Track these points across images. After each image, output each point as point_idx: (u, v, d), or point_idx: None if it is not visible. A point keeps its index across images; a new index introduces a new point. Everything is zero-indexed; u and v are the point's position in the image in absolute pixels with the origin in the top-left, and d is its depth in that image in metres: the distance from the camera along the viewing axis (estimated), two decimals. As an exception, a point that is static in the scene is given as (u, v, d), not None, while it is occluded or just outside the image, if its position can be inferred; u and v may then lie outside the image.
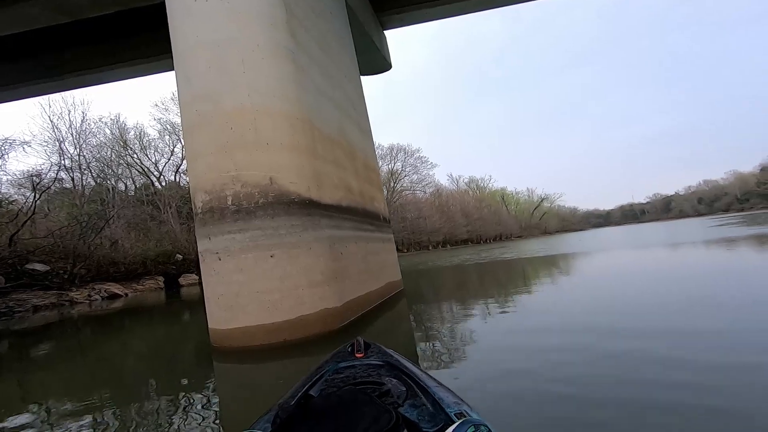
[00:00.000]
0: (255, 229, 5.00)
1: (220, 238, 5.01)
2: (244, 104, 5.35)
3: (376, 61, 14.77)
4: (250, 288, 4.86)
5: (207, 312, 5.23)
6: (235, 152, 5.21)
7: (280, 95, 5.59)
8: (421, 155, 60.13)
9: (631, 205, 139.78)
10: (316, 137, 6.25)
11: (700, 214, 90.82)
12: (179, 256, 25.35)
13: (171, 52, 5.90)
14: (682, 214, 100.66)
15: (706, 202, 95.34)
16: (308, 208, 5.47)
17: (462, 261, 20.04)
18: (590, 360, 3.16)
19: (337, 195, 6.79)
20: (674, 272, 7.98)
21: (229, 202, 5.07)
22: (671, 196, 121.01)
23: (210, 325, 5.18)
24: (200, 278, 23.96)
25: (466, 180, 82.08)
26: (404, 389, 1.59)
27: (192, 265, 25.47)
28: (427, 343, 4.30)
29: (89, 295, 17.77)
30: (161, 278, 23.04)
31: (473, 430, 0.95)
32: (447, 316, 5.88)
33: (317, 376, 1.81)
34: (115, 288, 19.41)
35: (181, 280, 23.95)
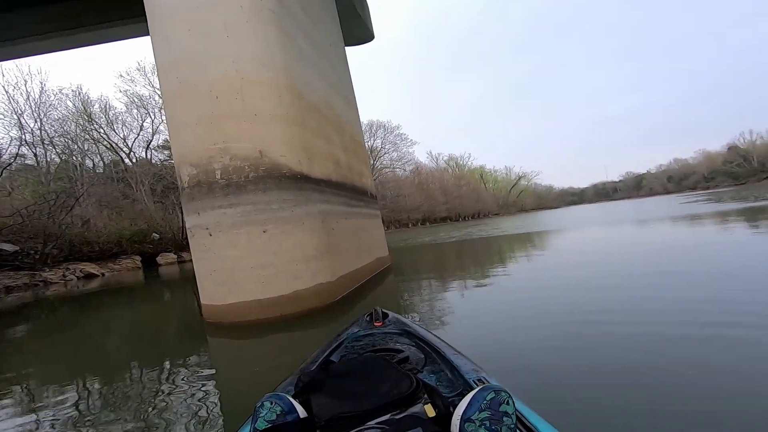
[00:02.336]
0: (246, 203, 4.85)
1: (210, 213, 4.84)
2: (229, 71, 5.08)
3: (358, 30, 14.29)
4: (245, 263, 4.74)
5: (199, 288, 5.11)
6: (221, 123, 4.98)
7: (266, 62, 5.32)
8: (401, 132, 59.71)
9: (605, 183, 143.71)
10: (305, 108, 6.04)
11: (668, 192, 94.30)
12: (156, 235, 24.66)
13: (145, 14, 5.50)
14: (652, 192, 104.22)
15: (675, 181, 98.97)
16: (300, 182, 5.33)
17: (442, 238, 20.27)
18: (560, 316, 3.63)
19: (327, 169, 6.65)
20: (643, 246, 8.29)
21: (218, 176, 4.88)
22: (642, 174, 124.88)
23: (203, 301, 5.07)
24: (179, 257, 23.43)
25: (445, 158, 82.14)
26: (422, 356, 1.60)
27: (170, 243, 24.87)
28: (420, 314, 4.34)
29: (64, 275, 17.14)
30: (138, 257, 22.42)
31: (493, 395, 0.94)
32: (434, 289, 5.94)
33: (337, 344, 1.81)
34: (91, 268, 18.78)
35: (159, 259, 23.39)
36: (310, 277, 5.08)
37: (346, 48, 12.10)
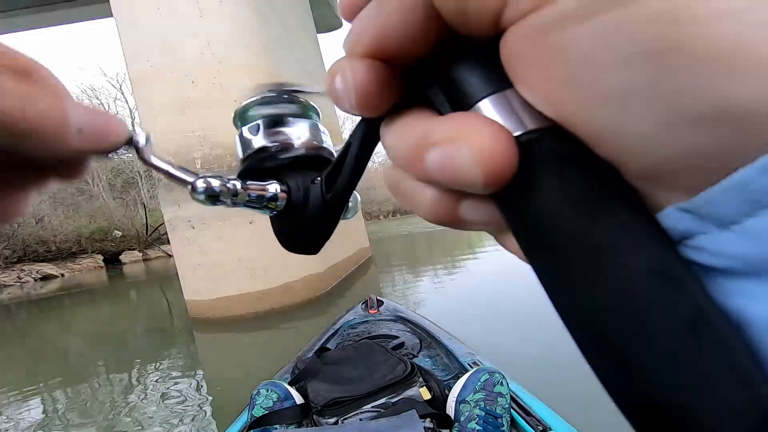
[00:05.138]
0: (231, 194, 4.65)
1: (191, 205, 4.58)
2: (205, 55, 4.82)
3: (327, 18, 13.94)
4: (232, 256, 4.57)
5: (182, 283, 4.89)
6: (200, 110, 4.74)
7: (242, 46, 5.09)
8: (371, 122, 59.32)
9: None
10: (284, 96, 5.85)
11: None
12: (117, 233, 23.42)
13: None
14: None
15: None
16: (284, 171, 5.16)
17: (415, 230, 20.45)
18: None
19: (309, 158, 6.48)
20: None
21: (199, 166, 4.64)
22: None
23: (186, 297, 4.84)
24: (144, 255, 22.44)
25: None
26: (418, 341, 1.64)
27: (133, 241, 23.72)
28: (408, 300, 4.39)
29: (19, 277, 15.97)
30: (100, 256, 21.24)
31: (488, 377, 0.98)
32: (415, 279, 6.00)
33: (332, 332, 1.83)
34: (48, 268, 17.61)
35: (123, 258, 22.27)
36: (300, 268, 4.96)
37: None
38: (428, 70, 0.13)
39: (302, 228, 0.22)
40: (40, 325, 7.14)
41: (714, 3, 0.08)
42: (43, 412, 2.76)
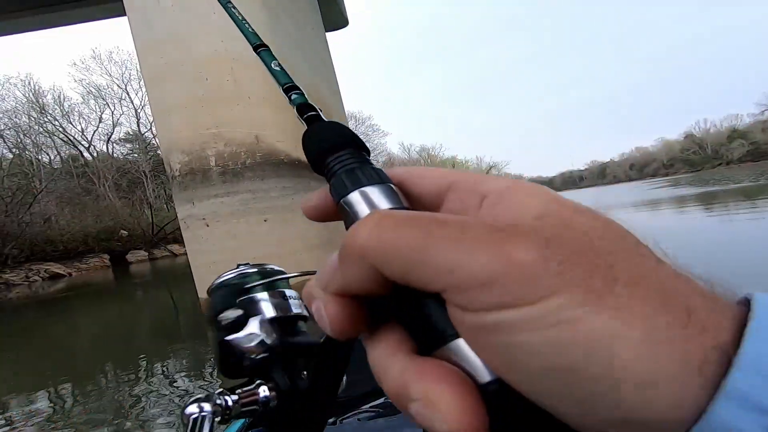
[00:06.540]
0: (245, 192, 4.61)
1: (206, 203, 4.56)
2: (218, 51, 4.78)
3: (333, 15, 13.89)
4: (246, 254, 4.49)
5: (196, 281, 4.84)
6: (213, 106, 4.70)
7: (256, 42, 5.05)
8: (373, 123, 59.26)
9: (571, 171, 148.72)
10: (296, 93, 5.80)
11: (631, 179, 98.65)
12: (124, 233, 23.49)
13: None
14: (616, 180, 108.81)
15: (637, 168, 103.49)
16: (298, 168, 5.11)
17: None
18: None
19: (320, 156, 6.44)
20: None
21: (213, 163, 4.60)
22: (606, 162, 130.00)
23: (201, 295, 4.79)
24: (150, 255, 22.48)
25: (417, 149, 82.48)
26: None
27: (139, 241, 23.78)
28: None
29: (27, 277, 16.01)
30: (106, 256, 21.29)
31: None
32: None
33: None
34: (56, 268, 17.66)
35: (129, 257, 22.32)
36: (314, 265, 4.86)
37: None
38: (394, 305, 0.14)
39: (297, 421, 0.23)
40: (47, 324, 7.12)
41: (600, 333, 0.10)
42: (50, 411, 2.71)
